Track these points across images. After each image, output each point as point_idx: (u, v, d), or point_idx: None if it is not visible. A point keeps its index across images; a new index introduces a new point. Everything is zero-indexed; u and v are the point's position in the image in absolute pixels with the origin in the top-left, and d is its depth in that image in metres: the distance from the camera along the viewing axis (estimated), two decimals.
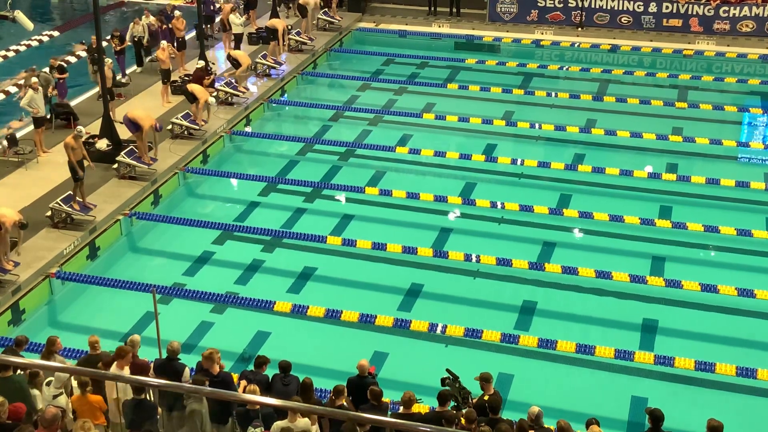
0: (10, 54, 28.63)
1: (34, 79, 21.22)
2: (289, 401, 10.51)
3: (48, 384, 11.52)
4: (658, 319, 16.30)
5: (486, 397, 11.63)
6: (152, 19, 26.52)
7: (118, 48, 25.11)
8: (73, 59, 26.50)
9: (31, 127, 21.20)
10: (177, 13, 26.74)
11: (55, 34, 30.65)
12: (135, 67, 26.31)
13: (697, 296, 16.63)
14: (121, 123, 20.96)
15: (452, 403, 11.68)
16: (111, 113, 21.40)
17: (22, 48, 29.10)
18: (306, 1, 28.86)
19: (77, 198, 18.38)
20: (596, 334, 15.78)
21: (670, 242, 18.60)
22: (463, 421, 10.86)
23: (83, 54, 26.57)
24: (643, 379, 14.82)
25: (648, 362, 14.86)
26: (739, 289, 16.52)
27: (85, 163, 18.58)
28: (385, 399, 11.80)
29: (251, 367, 12.57)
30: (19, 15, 16.31)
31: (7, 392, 10.53)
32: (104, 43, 23.83)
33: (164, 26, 26.61)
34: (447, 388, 11.85)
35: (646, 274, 17.27)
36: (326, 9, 30.67)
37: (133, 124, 20.14)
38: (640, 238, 18.73)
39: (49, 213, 18.13)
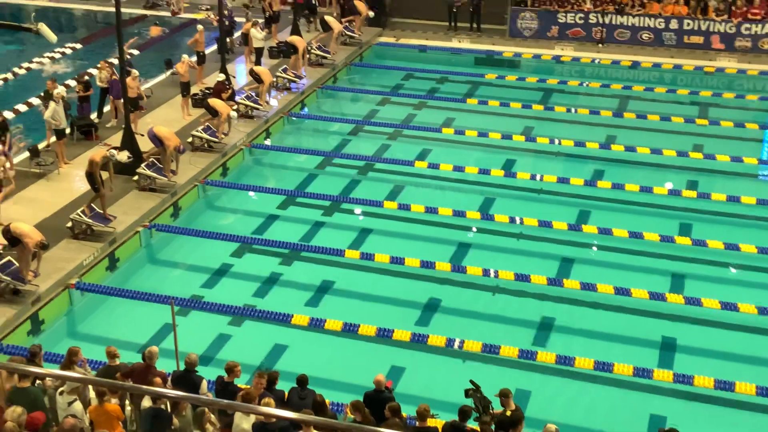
0: (33, 66, 28.91)
1: (57, 91, 21.41)
2: (304, 414, 10.49)
3: (61, 393, 11.58)
4: (678, 336, 16.18)
5: (508, 413, 11.61)
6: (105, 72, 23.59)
7: (82, 94, 22.92)
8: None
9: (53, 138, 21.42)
10: (199, 27, 26.93)
11: (78, 46, 30.92)
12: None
13: (717, 314, 16.48)
14: (142, 135, 21.11)
15: (474, 415, 11.67)
16: (132, 125, 21.51)
17: (46, 60, 29.38)
18: (331, 22, 29.01)
19: (97, 209, 18.48)
20: (615, 351, 15.66)
21: (690, 259, 18.49)
22: None
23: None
24: (661, 398, 14.69)
25: (667, 380, 14.74)
26: (759, 307, 16.36)
27: (105, 175, 18.66)
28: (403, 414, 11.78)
29: None
30: (43, 27, 16.49)
31: (24, 403, 10.56)
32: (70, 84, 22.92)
33: (115, 77, 22.99)
34: (468, 399, 11.85)
35: (666, 291, 17.16)
36: (347, 23, 30.81)
37: (157, 140, 20.28)
38: (659, 255, 18.61)
39: (69, 224, 18.25)
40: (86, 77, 22.95)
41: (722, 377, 14.61)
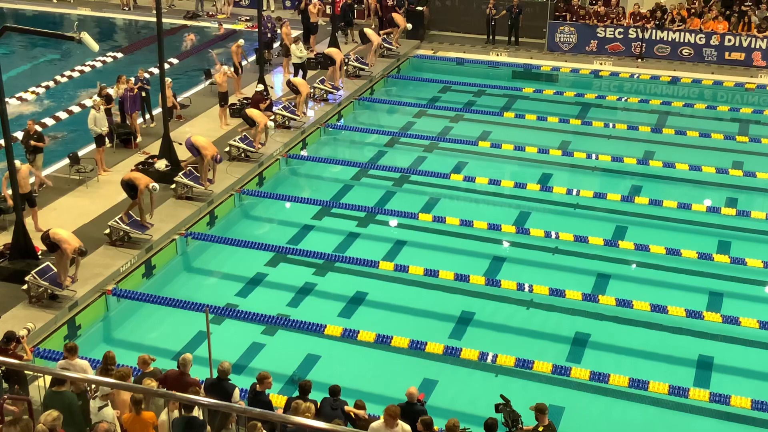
0: (75, 74, 29.35)
1: (96, 99, 21.68)
2: (336, 425, 10.47)
3: (93, 398, 11.67)
4: (714, 355, 15.98)
5: (540, 429, 11.53)
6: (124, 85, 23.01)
7: (105, 106, 22.15)
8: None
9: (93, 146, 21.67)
10: (241, 41, 27.14)
11: (119, 55, 31.32)
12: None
13: (755, 333, 16.27)
14: (180, 144, 21.29)
15: (503, 430, 11.60)
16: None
17: (87, 69, 29.79)
18: (369, 34, 29.16)
19: (135, 217, 18.66)
20: (650, 368, 15.50)
21: (728, 278, 18.26)
22: None
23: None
24: (697, 417, 14.52)
25: (703, 399, 14.55)
26: None
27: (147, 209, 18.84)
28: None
29: (296, 393, 12.55)
30: (85, 36, 16.67)
31: (59, 408, 10.64)
32: (89, 102, 22.74)
33: (135, 91, 22.98)
34: (499, 414, 11.79)
35: (703, 309, 16.97)
36: (386, 36, 30.91)
37: (195, 149, 20.45)
38: (697, 273, 18.40)
39: (107, 231, 18.44)
40: (107, 90, 23.07)
41: (759, 398, 14.40)
